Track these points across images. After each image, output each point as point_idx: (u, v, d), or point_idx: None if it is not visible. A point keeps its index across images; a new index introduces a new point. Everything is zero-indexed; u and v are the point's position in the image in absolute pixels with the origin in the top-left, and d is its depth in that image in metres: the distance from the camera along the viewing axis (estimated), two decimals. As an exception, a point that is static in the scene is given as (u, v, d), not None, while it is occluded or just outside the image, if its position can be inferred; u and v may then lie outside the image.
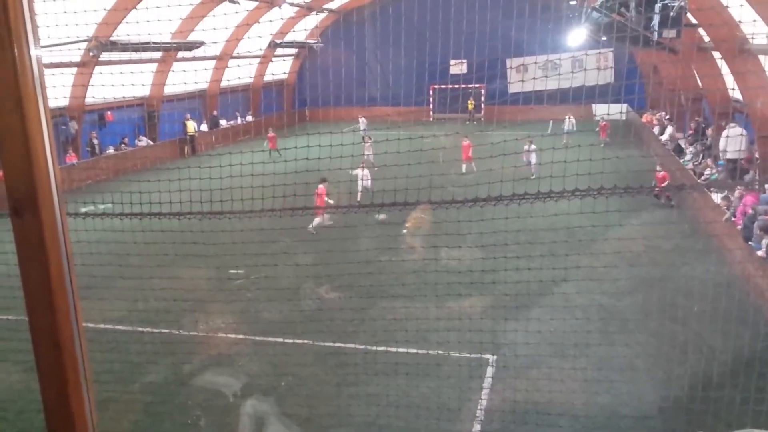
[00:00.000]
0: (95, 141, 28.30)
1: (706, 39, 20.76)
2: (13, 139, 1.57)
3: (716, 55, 20.56)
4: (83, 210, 10.13)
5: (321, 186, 17.35)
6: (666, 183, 19.68)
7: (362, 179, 20.15)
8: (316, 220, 17.64)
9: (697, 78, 24.45)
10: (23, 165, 1.57)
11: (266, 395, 9.43)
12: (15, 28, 1.54)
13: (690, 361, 9.99)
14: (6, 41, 1.53)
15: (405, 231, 15.83)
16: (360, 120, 34.98)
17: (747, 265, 13.52)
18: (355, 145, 9.90)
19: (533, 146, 23.44)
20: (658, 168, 20.87)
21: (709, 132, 23.04)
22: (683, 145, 24.18)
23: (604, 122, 31.17)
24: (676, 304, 11.78)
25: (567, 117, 33.83)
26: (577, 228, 10.62)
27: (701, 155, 21.78)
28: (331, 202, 17.59)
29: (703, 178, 19.43)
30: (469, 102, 42.51)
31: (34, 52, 1.59)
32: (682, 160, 22.55)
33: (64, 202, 1.68)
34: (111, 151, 28.96)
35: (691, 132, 25.02)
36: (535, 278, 10.92)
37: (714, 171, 19.20)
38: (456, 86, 41.33)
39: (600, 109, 38.55)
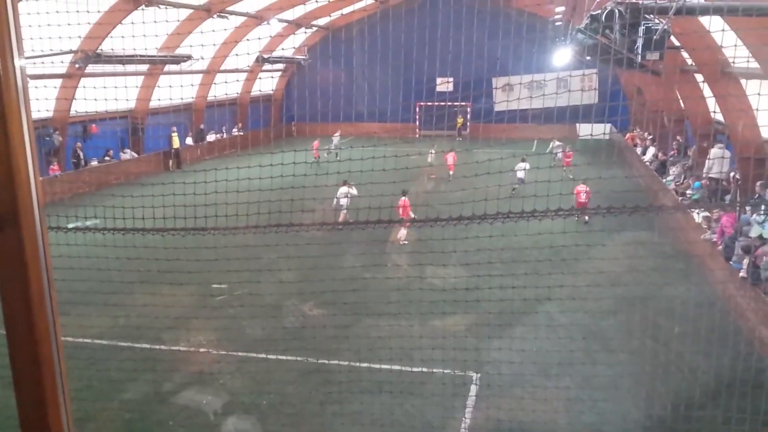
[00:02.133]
0: (80, 152, 28.12)
1: (689, 62, 21.10)
2: (-4, 153, 1.55)
3: (699, 77, 20.89)
4: (70, 225, 10.01)
5: (404, 198, 17.26)
6: (587, 199, 19.27)
7: (340, 197, 19.74)
8: (403, 232, 17.47)
9: (680, 100, 24.80)
10: (5, 179, 1.56)
11: (248, 413, 9.34)
12: (-1, 40, 1.53)
13: (672, 381, 10.04)
14: None
15: (402, 244, 15.87)
16: (334, 136, 34.82)
17: (728, 285, 13.65)
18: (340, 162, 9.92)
19: (526, 165, 24.14)
20: (580, 183, 19.78)
21: (690, 152, 23.33)
22: (666, 165, 24.45)
23: (568, 152, 28.74)
24: (658, 324, 11.86)
25: (553, 140, 34.09)
26: (561, 247, 10.70)
27: (683, 175, 22.04)
28: (413, 215, 17.11)
29: (684, 197, 19.65)
30: (458, 118, 42.83)
31: (18, 62, 1.58)
32: (664, 180, 22.80)
33: (45, 216, 1.66)
34: (95, 163, 28.75)
35: (673, 152, 25.33)
36: (519, 296, 10.94)
37: (694, 192, 19.43)
38: (442, 103, 41.62)
39: (584, 129, 38.99)
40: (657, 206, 17.51)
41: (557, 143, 33.50)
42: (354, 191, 19.30)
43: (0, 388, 1.60)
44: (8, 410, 1.54)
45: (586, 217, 18.26)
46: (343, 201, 19.51)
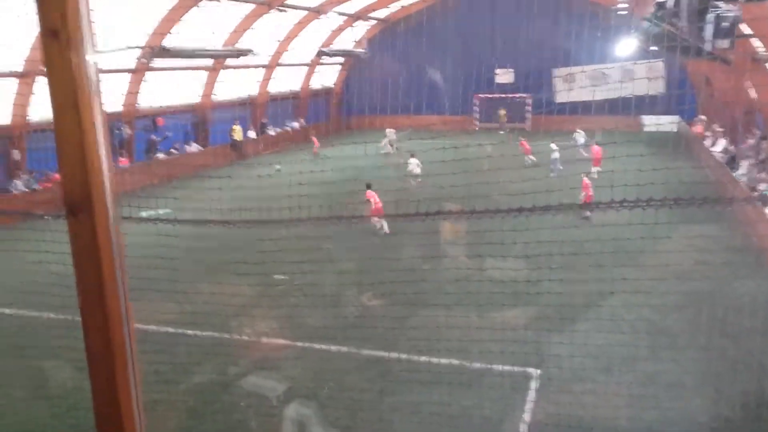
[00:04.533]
0: (157, 145, 29.13)
1: (761, 49, 20.19)
2: (71, 143, 1.61)
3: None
4: (143, 215, 10.36)
5: (369, 191, 18.03)
6: (590, 191, 18.36)
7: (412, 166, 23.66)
8: (379, 222, 17.95)
9: (751, 89, 23.76)
10: (79, 167, 1.61)
11: (308, 401, 9.47)
12: (74, 35, 1.57)
13: (741, 380, 9.66)
14: (65, 47, 1.57)
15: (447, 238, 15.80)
16: (387, 131, 34.59)
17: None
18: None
19: (556, 151, 25.89)
20: (583, 175, 19.18)
21: (764, 145, 22.36)
22: (739, 159, 23.50)
23: (597, 147, 26.05)
24: (726, 320, 11.42)
25: (576, 131, 32.49)
26: (625, 240, 10.39)
27: (755, 169, 21.15)
28: (374, 205, 17.84)
29: (757, 192, 18.85)
30: (501, 111, 42.13)
31: (91, 57, 1.63)
32: (735, 174, 21.93)
33: (117, 205, 1.71)
34: (161, 156, 29.62)
35: (746, 145, 24.32)
36: (581, 291, 10.73)
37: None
38: (502, 96, 41.08)
39: (650, 120, 37.85)
40: (714, 199, 16.74)
41: (580, 134, 32.07)
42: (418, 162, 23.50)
43: (75, 370, 1.65)
44: (82, 392, 1.60)
45: (588, 213, 17.10)
46: (417, 170, 23.46)
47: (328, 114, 44.63)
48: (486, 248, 12.01)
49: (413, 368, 10.02)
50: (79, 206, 1.64)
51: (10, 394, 9.69)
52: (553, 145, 26.34)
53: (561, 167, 25.29)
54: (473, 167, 9.30)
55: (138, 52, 25.31)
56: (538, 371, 10.15)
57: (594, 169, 23.67)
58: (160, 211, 12.06)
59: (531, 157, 27.94)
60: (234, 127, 33.95)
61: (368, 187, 18.20)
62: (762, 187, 18.96)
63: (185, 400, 9.66)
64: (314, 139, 33.30)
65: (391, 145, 32.80)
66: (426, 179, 21.48)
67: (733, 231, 17.31)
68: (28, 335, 11.16)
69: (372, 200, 17.82)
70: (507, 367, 10.12)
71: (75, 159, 1.62)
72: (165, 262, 8.90)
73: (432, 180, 9.24)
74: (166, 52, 25.16)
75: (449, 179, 9.41)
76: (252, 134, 36.22)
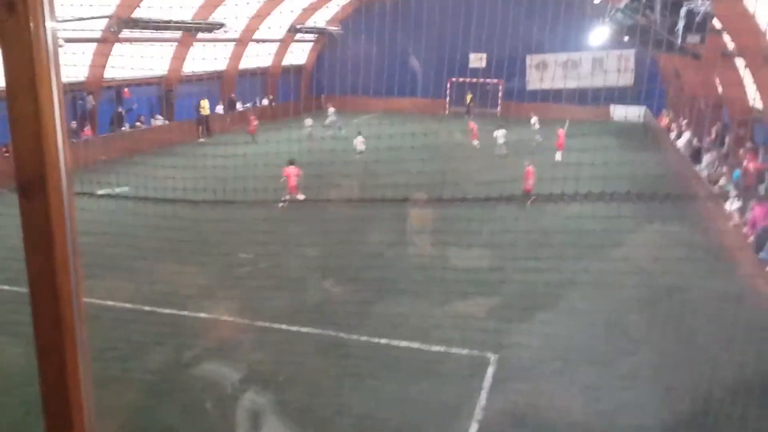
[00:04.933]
0: (122, 115, 28.54)
1: (731, 46, 20.53)
2: (25, 120, 1.55)
3: (740, 62, 20.34)
4: (100, 192, 10.17)
5: (291, 167, 18.45)
6: (532, 179, 18.15)
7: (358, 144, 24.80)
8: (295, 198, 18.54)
9: (720, 85, 24.19)
10: (34, 147, 1.56)
11: (266, 383, 9.46)
12: (32, 7, 1.51)
13: (693, 374, 9.91)
14: (22, 14, 1.50)
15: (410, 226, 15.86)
16: (329, 110, 34.56)
17: (757, 278, 13.40)
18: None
19: (503, 131, 26.86)
20: (527, 163, 18.77)
21: (727, 140, 22.83)
22: (702, 153, 23.94)
23: (561, 131, 26.59)
24: (682, 315, 11.69)
25: (532, 116, 32.79)
26: (588, 232, 10.57)
27: (716, 163, 21.58)
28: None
29: (717, 186, 19.25)
30: (467, 96, 42.23)
31: (49, 24, 1.55)
32: (697, 167, 22.35)
33: (72, 182, 1.66)
34: (126, 128, 29.07)
35: (710, 139, 24.78)
36: (542, 281, 10.87)
37: (727, 181, 19.02)
38: (474, 80, 41.13)
39: (618, 111, 38.33)
40: (675, 195, 17.06)
41: (535, 120, 32.42)
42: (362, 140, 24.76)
43: (26, 345, 1.62)
44: (33, 368, 1.57)
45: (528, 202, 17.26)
46: (361, 147, 24.79)
47: (298, 92, 44.22)
48: (452, 237, 12.12)
49: (373, 352, 10.08)
50: (32, 185, 1.59)
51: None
52: (499, 132, 27.08)
53: (506, 151, 25.76)
54: (419, 154, 9.39)
55: (105, 22, 24.71)
56: (496, 356, 10.29)
57: (558, 154, 24.06)
58: (117, 189, 11.85)
59: (475, 141, 29.24)
60: (201, 102, 33.43)
61: (290, 163, 18.44)
62: (722, 182, 19.37)
63: (142, 378, 9.57)
64: (252, 118, 32.72)
65: (332, 126, 32.63)
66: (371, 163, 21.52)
67: (693, 226, 17.67)
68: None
69: (288, 177, 18.22)
70: (466, 351, 10.24)
71: (29, 136, 1.56)
72: (126, 240, 8.79)
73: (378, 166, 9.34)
74: (134, 23, 24.63)
75: (394, 165, 9.50)
76: (220, 109, 35.73)
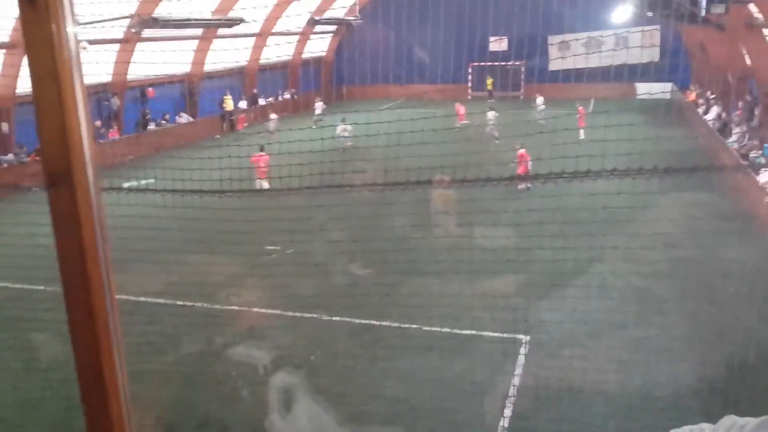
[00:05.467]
0: (147, 116, 28.92)
1: (757, 15, 20.06)
2: (50, 112, 1.60)
3: (767, 32, 19.88)
4: (125, 185, 10.35)
5: (260, 153, 19.39)
6: (527, 163, 18.02)
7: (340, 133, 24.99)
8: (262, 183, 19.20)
9: (746, 56, 23.66)
10: (58, 139, 1.61)
11: (299, 369, 9.56)
12: (52, 3, 1.56)
13: (728, 345, 9.79)
14: (44, 16, 1.56)
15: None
16: (316, 105, 34.56)
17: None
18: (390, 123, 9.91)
19: (492, 113, 26.95)
20: (517, 146, 18.50)
21: (756, 112, 22.36)
22: (731, 126, 23.50)
23: (580, 108, 26.74)
24: (714, 286, 11.54)
25: (536, 96, 32.89)
26: (615, 209, 10.46)
27: (747, 136, 21.18)
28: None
29: (748, 159, 18.90)
30: (488, 80, 41.92)
31: (71, 29, 1.62)
32: (727, 141, 21.95)
33: (99, 175, 1.71)
34: (152, 127, 29.41)
35: (739, 112, 24.30)
36: (571, 258, 10.80)
37: (759, 154, 18.65)
38: (495, 63, 40.79)
39: (643, 88, 37.70)
40: (701, 167, 16.71)
41: (540, 100, 32.40)
42: (349, 128, 24.70)
43: (65, 343, 1.67)
44: (72, 364, 1.62)
45: (529, 185, 16.98)
46: (345, 134, 24.90)
47: (319, 83, 44.26)
48: (477, 217, 12.07)
49: (404, 337, 10.13)
50: (59, 177, 1.64)
51: (4, 367, 9.75)
52: (490, 113, 27.12)
53: (496, 134, 25.47)
54: (414, 138, 9.36)
55: (127, 22, 24.98)
56: (528, 338, 10.27)
57: (581, 131, 23.85)
58: (143, 182, 12.08)
59: (464, 122, 29.67)
60: (225, 97, 33.67)
61: (261, 149, 19.31)
62: (753, 154, 19.01)
63: (178, 370, 9.74)
64: (242, 117, 32.97)
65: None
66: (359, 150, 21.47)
67: (724, 198, 17.40)
68: (19, 308, 11.19)
69: (256, 163, 18.97)
70: (498, 334, 10.23)
71: (54, 129, 1.61)
72: (156, 233, 8.92)
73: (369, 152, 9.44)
74: (155, 22, 24.84)
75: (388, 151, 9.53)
76: (243, 104, 35.96)
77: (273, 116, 29.58)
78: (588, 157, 7.50)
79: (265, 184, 18.81)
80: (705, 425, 1.20)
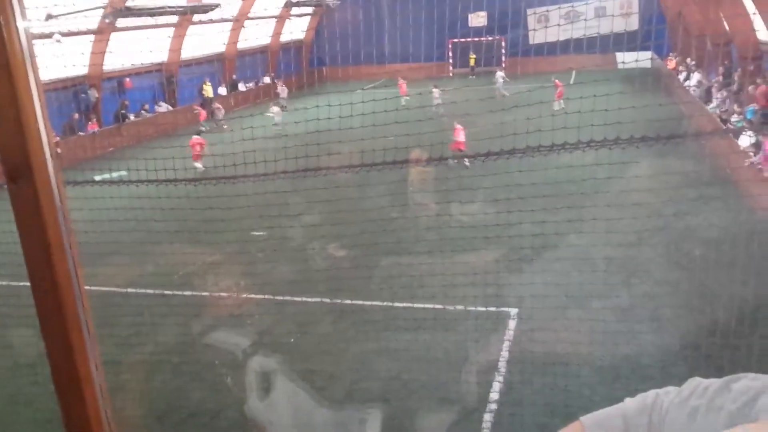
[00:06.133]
0: (126, 107, 28.64)
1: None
2: (5, 107, 1.60)
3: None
4: (98, 178, 10.30)
5: (197, 137, 21.22)
6: (461, 139, 18.35)
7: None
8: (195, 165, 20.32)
9: (724, 21, 23.69)
10: (15, 133, 1.61)
11: (290, 352, 9.62)
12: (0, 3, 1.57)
13: (714, 311, 9.92)
14: None
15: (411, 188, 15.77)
16: (279, 88, 34.66)
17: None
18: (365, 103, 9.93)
19: (437, 92, 27.28)
20: (456, 124, 18.74)
21: (736, 77, 22.45)
22: (713, 92, 23.58)
23: (557, 82, 27.13)
24: (697, 253, 11.66)
25: (497, 71, 33.52)
26: (596, 180, 10.53)
27: (727, 101, 21.28)
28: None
29: (729, 124, 19.01)
30: (470, 56, 41.77)
31: (21, 24, 1.62)
32: (708, 107, 22.06)
33: (59, 168, 1.71)
34: (131, 117, 29.14)
35: (718, 77, 24.39)
36: (553, 231, 10.87)
37: (740, 118, 18.76)
38: (475, 39, 40.62)
39: (625, 57, 37.66)
40: (684, 135, 16.81)
41: (500, 74, 32.92)
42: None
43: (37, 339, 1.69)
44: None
45: (466, 162, 17.47)
46: (278, 119, 26.45)
47: (299, 67, 43.92)
48: (455, 194, 12.11)
49: (393, 315, 10.19)
50: (19, 172, 1.64)
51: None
52: (435, 90, 27.42)
53: (442, 111, 25.16)
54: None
55: (101, 13, 24.63)
56: (516, 311, 10.36)
57: (556, 103, 23.94)
58: (114, 174, 12.04)
59: (406, 97, 29.89)
60: (204, 84, 33.36)
61: (197, 133, 21.42)
62: (734, 118, 19.12)
63: (167, 360, 9.76)
64: (199, 108, 31.79)
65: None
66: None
67: (704, 164, 17.50)
68: (4, 305, 11.15)
69: (193, 147, 20.70)
70: (483, 308, 10.32)
71: (10, 124, 1.62)
72: (139, 225, 8.90)
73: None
74: (129, 11, 24.53)
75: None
76: (222, 91, 35.64)
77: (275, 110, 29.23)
78: (563, 129, 7.52)
79: (199, 166, 20.03)
80: (671, 388, 1.21)
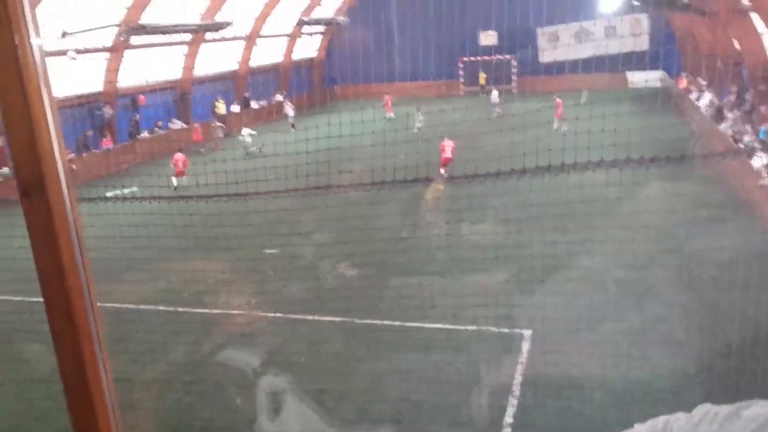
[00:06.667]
0: (137, 123, 28.86)
1: (744, 0, 20.07)
2: (19, 124, 1.61)
3: (755, 16, 19.88)
4: (109, 194, 10.37)
5: (179, 154, 21.56)
6: (451, 153, 18.89)
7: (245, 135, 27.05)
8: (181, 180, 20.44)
9: (735, 41, 23.66)
10: (29, 150, 1.61)
11: (302, 371, 9.55)
12: (15, 20, 1.58)
13: (728, 334, 9.78)
14: (7, 31, 1.57)
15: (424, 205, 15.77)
16: (287, 107, 34.68)
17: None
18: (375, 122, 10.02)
19: (421, 113, 27.20)
20: (447, 140, 19.40)
21: (748, 97, 22.36)
22: (724, 112, 23.47)
23: (558, 100, 27.34)
24: (714, 276, 11.52)
25: (492, 90, 33.89)
26: (609, 199, 10.45)
27: (739, 121, 21.18)
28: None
29: (742, 144, 18.90)
30: (480, 75, 41.89)
31: (35, 41, 1.63)
32: (720, 126, 21.95)
33: (72, 185, 1.71)
34: (145, 134, 29.35)
35: (730, 97, 24.30)
36: (566, 251, 10.80)
37: (753, 138, 18.65)
38: (486, 58, 40.75)
39: (635, 77, 37.68)
40: (696, 155, 16.74)
41: (495, 94, 33.27)
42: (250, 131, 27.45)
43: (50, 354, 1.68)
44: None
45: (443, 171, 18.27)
46: (248, 139, 26.77)
47: (311, 85, 44.18)
48: (463, 214, 12.07)
49: (405, 336, 10.13)
50: (32, 188, 1.64)
51: (5, 379, 9.74)
52: (418, 114, 27.41)
53: (424, 133, 24.63)
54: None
55: (115, 31, 24.93)
56: (530, 332, 10.25)
57: (557, 121, 23.88)
58: (125, 191, 12.10)
59: (391, 114, 30.42)
60: (217, 102, 33.60)
61: (179, 150, 21.85)
62: (747, 138, 19.01)
63: (178, 378, 9.72)
64: (197, 127, 31.01)
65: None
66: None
67: (718, 185, 17.38)
68: (19, 321, 11.17)
69: (176, 163, 21.07)
70: (495, 329, 10.22)
71: (24, 140, 1.62)
72: (151, 241, 8.91)
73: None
74: (143, 29, 24.80)
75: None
76: (235, 108, 35.87)
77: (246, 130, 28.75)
78: (574, 149, 7.48)
79: (174, 182, 19.89)
80: (681, 414, 1.21)
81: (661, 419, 1.23)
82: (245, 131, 28.37)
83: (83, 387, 1.77)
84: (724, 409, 1.14)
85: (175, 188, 19.25)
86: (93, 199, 9.05)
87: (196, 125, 30.91)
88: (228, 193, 9.53)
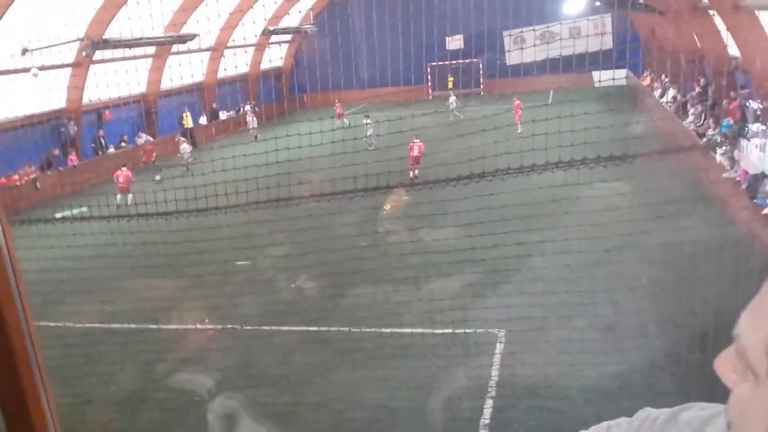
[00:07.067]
0: (102, 140, 28.43)
1: (702, -1, 20.45)
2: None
3: (712, 13, 20.27)
4: (58, 215, 10.24)
5: (123, 169, 21.54)
6: (418, 152, 19.37)
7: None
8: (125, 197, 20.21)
9: (696, 38, 24.08)
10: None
11: (276, 384, 9.46)
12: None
13: (701, 323, 9.87)
14: None
15: (384, 213, 15.75)
16: (249, 118, 34.66)
17: (753, 224, 13.41)
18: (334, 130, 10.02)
19: (369, 121, 26.61)
20: (415, 139, 19.72)
21: (710, 92, 22.77)
22: (687, 107, 23.88)
23: (517, 102, 27.09)
24: (685, 269, 11.66)
25: (450, 95, 34.34)
26: (573, 199, 10.53)
27: (703, 116, 21.56)
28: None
29: (705, 138, 19.24)
30: (448, 79, 42.15)
31: None
32: (684, 122, 22.32)
33: (3, 210, 1.64)
34: (112, 150, 28.97)
35: (694, 92, 24.71)
36: (537, 251, 10.87)
37: (715, 132, 18.99)
38: (454, 62, 41.01)
39: (600, 76, 38.19)
40: (656, 151, 16.96)
41: (453, 98, 33.60)
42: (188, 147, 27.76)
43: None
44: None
45: (416, 173, 18.89)
46: (188, 148, 27.30)
47: (279, 94, 44.02)
48: (428, 219, 12.05)
49: (382, 342, 10.10)
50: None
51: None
52: (367, 120, 27.05)
53: (375, 141, 24.21)
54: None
55: (77, 46, 24.59)
56: (503, 332, 10.28)
57: (519, 126, 24.06)
58: (74, 211, 11.93)
59: (344, 120, 30.31)
60: (184, 114, 33.31)
61: (123, 165, 22.00)
62: (710, 132, 19.35)
63: (152, 395, 9.56)
64: (149, 148, 30.03)
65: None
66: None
67: (683, 179, 17.63)
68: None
69: (117, 177, 21.27)
70: (471, 331, 10.24)
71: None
72: (113, 261, 8.77)
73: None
74: (106, 44, 24.51)
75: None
76: (203, 120, 35.58)
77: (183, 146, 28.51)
78: (531, 151, 7.52)
79: (118, 199, 19.68)
80: (622, 420, 1.23)
81: (603, 425, 1.24)
82: (182, 148, 28.38)
83: (24, 412, 1.71)
84: (664, 413, 1.16)
85: (118, 206, 18.50)
86: (34, 221, 8.90)
87: (149, 146, 30.07)
88: (166, 210, 9.50)
